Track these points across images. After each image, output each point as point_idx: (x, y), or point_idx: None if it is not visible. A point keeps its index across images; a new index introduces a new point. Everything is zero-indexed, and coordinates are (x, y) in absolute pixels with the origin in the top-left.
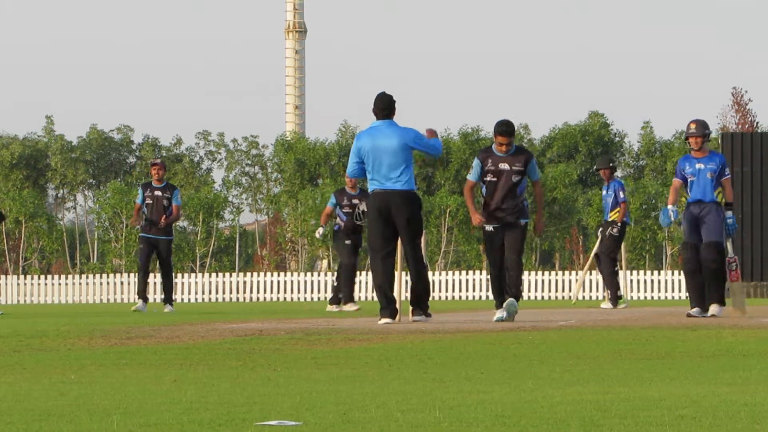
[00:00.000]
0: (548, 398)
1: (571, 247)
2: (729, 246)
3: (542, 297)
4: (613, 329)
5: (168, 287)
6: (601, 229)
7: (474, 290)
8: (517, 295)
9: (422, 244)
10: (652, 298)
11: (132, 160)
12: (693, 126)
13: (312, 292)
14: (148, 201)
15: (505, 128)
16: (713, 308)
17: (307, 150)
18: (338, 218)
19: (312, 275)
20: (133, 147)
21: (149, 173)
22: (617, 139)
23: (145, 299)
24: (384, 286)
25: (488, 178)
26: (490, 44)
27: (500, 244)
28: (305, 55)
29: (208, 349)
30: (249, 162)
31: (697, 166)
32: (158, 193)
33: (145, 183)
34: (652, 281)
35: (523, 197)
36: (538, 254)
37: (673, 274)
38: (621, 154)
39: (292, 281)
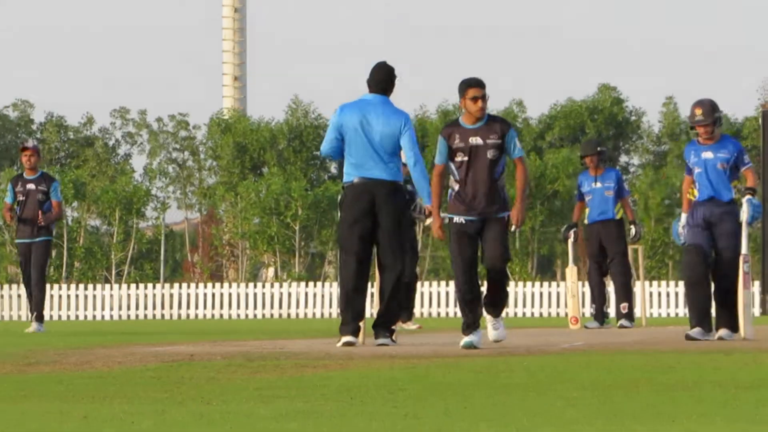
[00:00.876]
0: None
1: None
2: (745, 239)
3: (540, 314)
4: (627, 353)
5: (38, 299)
6: (577, 231)
7: (456, 305)
8: (499, 316)
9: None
10: (676, 315)
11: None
12: (699, 112)
13: (255, 307)
14: (20, 197)
15: (475, 78)
16: (722, 332)
17: (249, 132)
18: None
19: (255, 287)
20: (33, 127)
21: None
22: (633, 118)
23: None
24: (354, 297)
25: (458, 158)
26: (474, 3)
27: (473, 242)
28: (246, 15)
29: (127, 377)
30: (177, 146)
31: (704, 155)
32: (31, 186)
33: (15, 176)
34: (676, 294)
35: (502, 182)
36: (536, 261)
37: None
38: (638, 136)
39: (230, 294)
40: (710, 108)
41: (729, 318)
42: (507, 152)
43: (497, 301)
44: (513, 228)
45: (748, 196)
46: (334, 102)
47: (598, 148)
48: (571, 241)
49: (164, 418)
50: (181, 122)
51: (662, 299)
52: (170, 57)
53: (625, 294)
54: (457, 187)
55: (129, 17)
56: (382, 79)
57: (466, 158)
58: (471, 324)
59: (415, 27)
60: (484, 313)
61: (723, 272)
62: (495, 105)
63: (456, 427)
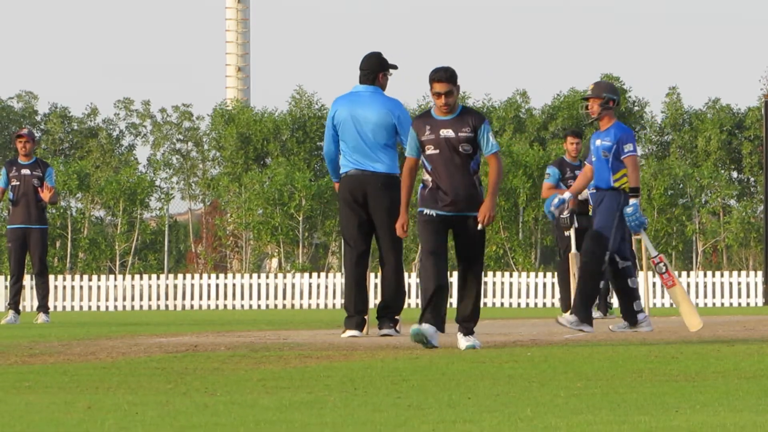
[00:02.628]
0: (551, 428)
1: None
2: (647, 242)
3: (543, 304)
4: (630, 344)
5: (43, 291)
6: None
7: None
8: (473, 325)
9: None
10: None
11: (36, 134)
12: (590, 87)
13: (259, 298)
14: (14, 182)
15: (442, 72)
16: (563, 317)
17: (253, 122)
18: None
19: (259, 277)
20: (38, 119)
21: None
22: (636, 108)
23: (18, 310)
24: (357, 291)
25: (429, 152)
26: None
27: (443, 232)
28: (250, 5)
29: (131, 368)
30: (181, 137)
31: (597, 143)
32: (26, 171)
33: (9, 160)
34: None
35: (478, 178)
36: (539, 252)
37: (705, 275)
38: (642, 127)
39: (234, 285)
40: (603, 87)
41: (577, 303)
42: (480, 147)
43: (470, 314)
44: (480, 227)
45: (630, 202)
46: (338, 92)
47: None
48: (575, 227)
49: (168, 409)
50: (184, 113)
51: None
52: (174, 47)
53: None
54: (428, 179)
55: (132, 7)
56: (371, 68)
57: (436, 151)
58: (429, 320)
59: (419, 17)
60: (457, 330)
61: (583, 249)
62: (498, 95)
63: (460, 418)
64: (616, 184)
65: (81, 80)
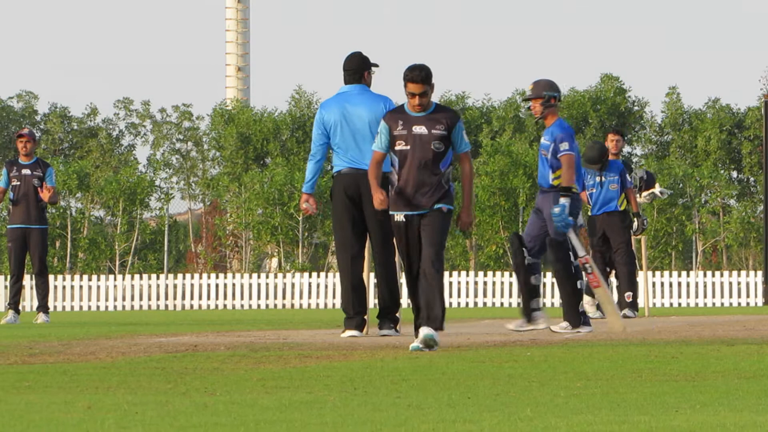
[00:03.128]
0: (550, 428)
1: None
2: (575, 242)
3: (543, 304)
4: (630, 344)
5: (43, 290)
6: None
7: (459, 295)
8: (438, 317)
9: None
10: (679, 305)
11: (36, 134)
12: (530, 87)
13: (258, 298)
14: (15, 182)
15: (417, 72)
16: (558, 326)
17: (253, 122)
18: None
19: (258, 277)
20: (38, 118)
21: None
22: (636, 108)
23: (18, 310)
24: (354, 292)
25: (399, 147)
26: None
27: (417, 239)
28: (249, 5)
29: (130, 368)
30: (180, 137)
31: (541, 141)
32: (27, 171)
33: (9, 160)
34: (678, 284)
35: (447, 175)
36: None
37: (705, 275)
38: (641, 126)
39: (234, 284)
40: (542, 86)
41: (566, 310)
42: (453, 146)
43: (432, 312)
44: (461, 231)
45: (560, 201)
46: None
47: (603, 157)
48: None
49: (168, 409)
50: (184, 113)
51: (665, 289)
52: (174, 47)
53: (630, 283)
54: (396, 179)
55: (132, 7)
56: (356, 67)
57: (407, 147)
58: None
59: (419, 17)
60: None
61: (550, 258)
62: (498, 95)
63: (460, 418)
64: (555, 182)
65: (81, 80)
